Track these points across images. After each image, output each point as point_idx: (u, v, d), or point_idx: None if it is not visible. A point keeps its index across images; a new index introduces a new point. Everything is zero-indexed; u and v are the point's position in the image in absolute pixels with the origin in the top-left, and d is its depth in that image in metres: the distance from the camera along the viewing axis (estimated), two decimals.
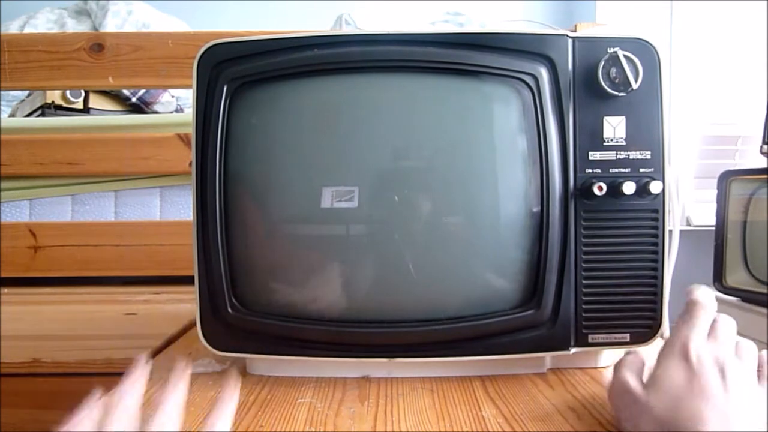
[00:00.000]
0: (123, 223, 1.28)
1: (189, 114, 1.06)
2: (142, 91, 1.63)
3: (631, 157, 0.56)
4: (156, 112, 1.67)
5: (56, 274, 1.25)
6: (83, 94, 1.55)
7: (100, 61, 1.22)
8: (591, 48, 0.56)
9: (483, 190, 0.57)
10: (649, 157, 0.56)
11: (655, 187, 0.55)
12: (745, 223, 1.44)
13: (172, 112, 1.69)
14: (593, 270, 0.56)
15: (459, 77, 0.56)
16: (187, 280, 0.86)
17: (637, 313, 0.57)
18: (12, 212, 1.28)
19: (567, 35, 0.56)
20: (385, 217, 0.57)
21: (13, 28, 1.90)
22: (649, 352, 0.63)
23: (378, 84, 0.58)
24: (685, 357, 0.43)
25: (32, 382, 0.72)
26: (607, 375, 0.59)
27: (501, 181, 0.57)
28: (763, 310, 1.35)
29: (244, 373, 0.61)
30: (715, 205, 1.49)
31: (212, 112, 0.56)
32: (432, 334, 0.56)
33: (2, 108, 1.76)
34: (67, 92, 1.52)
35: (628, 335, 0.57)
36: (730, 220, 1.46)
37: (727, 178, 1.48)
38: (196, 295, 0.58)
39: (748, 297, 1.42)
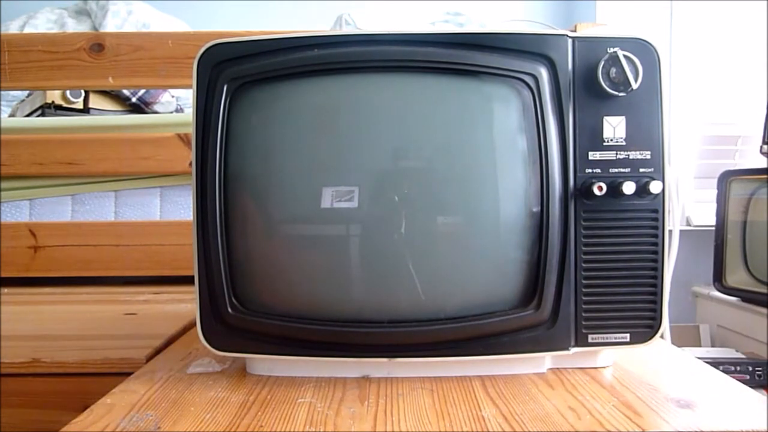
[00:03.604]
0: (123, 223, 1.28)
1: (189, 114, 1.06)
2: (142, 91, 1.63)
3: (631, 157, 0.56)
4: (156, 112, 1.67)
5: (56, 274, 1.25)
6: (83, 94, 1.55)
7: (100, 61, 1.22)
8: (591, 48, 0.56)
9: (483, 190, 0.57)
10: (649, 157, 0.56)
11: (655, 187, 0.55)
12: (745, 223, 1.44)
13: (172, 112, 1.69)
14: (593, 270, 0.56)
15: (459, 77, 0.56)
16: (187, 280, 0.86)
17: (637, 313, 0.57)
18: (12, 212, 1.28)
19: (567, 35, 0.56)
20: (385, 217, 0.57)
21: (13, 28, 1.90)
22: (649, 352, 0.63)
23: (378, 84, 0.58)
24: None
25: (32, 382, 0.71)
26: (607, 375, 0.59)
27: (501, 181, 0.57)
28: (763, 310, 1.35)
29: (244, 373, 0.61)
30: (715, 205, 1.49)
31: (212, 112, 0.56)
32: (432, 334, 0.56)
33: (2, 108, 1.76)
34: (67, 92, 1.52)
35: (628, 335, 0.57)
36: (730, 220, 1.46)
37: (727, 178, 1.48)
38: (196, 295, 0.58)
39: (748, 297, 1.42)
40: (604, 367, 0.61)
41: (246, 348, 0.58)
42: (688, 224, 1.74)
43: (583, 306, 0.57)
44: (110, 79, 1.23)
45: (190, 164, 0.58)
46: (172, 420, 0.49)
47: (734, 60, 1.77)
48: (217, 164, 0.56)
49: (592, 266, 0.56)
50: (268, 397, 0.54)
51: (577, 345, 0.57)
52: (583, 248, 0.56)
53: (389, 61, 0.56)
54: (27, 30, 1.87)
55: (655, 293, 0.57)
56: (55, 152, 1.24)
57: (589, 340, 0.57)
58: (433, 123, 0.58)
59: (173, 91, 1.71)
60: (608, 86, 0.55)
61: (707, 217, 1.62)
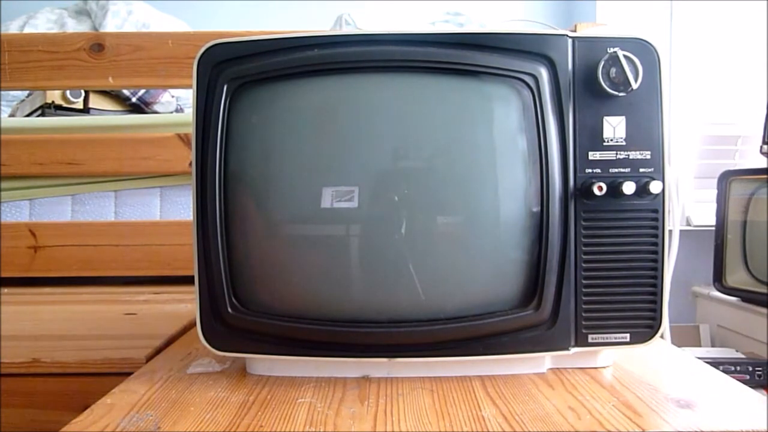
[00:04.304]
0: (123, 223, 1.28)
1: (189, 114, 1.06)
2: (142, 91, 1.63)
3: (631, 157, 0.56)
4: (156, 112, 1.67)
5: (56, 274, 1.25)
6: (83, 94, 1.55)
7: (100, 61, 1.22)
8: (591, 48, 0.56)
9: (483, 190, 0.57)
10: (649, 157, 0.56)
11: (655, 187, 0.55)
12: (745, 223, 1.44)
13: (172, 112, 1.69)
14: (593, 270, 0.56)
15: (459, 77, 0.56)
16: (187, 280, 0.86)
17: (637, 313, 0.57)
18: (12, 212, 1.28)
19: (567, 35, 0.56)
20: (385, 217, 0.57)
21: (13, 28, 1.89)
22: (649, 352, 0.63)
23: (378, 84, 0.58)
24: None
25: (32, 382, 0.71)
26: (607, 375, 0.59)
27: (501, 181, 0.57)
28: (763, 310, 1.35)
29: (244, 373, 0.61)
30: (715, 205, 1.49)
31: (212, 112, 0.56)
32: (432, 334, 0.56)
33: (2, 108, 1.76)
34: (67, 92, 1.52)
35: (628, 335, 0.57)
36: (730, 220, 1.46)
37: (727, 178, 1.48)
38: (196, 295, 0.58)
39: (748, 297, 1.42)
40: (604, 367, 0.61)
41: (246, 348, 0.58)
42: (688, 224, 1.74)
43: (583, 306, 0.57)
44: (110, 79, 1.23)
45: (190, 164, 0.58)
46: (172, 420, 0.49)
47: (734, 60, 1.77)
48: (217, 164, 0.56)
49: (592, 266, 0.56)
50: (268, 397, 0.54)
51: (577, 345, 0.57)
52: (583, 248, 0.56)
53: (389, 61, 0.56)
54: (27, 30, 1.87)
55: (655, 293, 0.57)
56: (55, 152, 1.24)
57: (589, 340, 0.57)
58: (433, 123, 0.58)
59: (173, 91, 1.71)
60: (608, 86, 0.55)
61: (707, 217, 1.62)
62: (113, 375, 0.69)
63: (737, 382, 0.56)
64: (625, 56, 0.55)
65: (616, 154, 0.56)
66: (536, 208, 0.56)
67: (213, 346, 0.58)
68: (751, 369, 1.23)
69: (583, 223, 0.56)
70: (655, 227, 0.56)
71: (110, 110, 1.61)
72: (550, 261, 0.55)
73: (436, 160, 0.58)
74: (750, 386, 0.55)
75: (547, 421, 0.48)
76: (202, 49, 0.57)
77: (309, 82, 0.57)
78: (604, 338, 0.57)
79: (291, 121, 0.58)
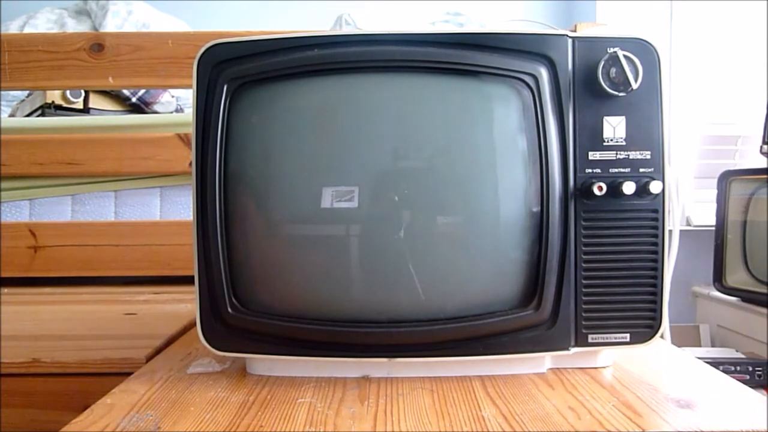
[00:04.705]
0: (123, 223, 1.28)
1: (189, 114, 1.06)
2: (142, 91, 1.63)
3: (631, 157, 0.56)
4: (156, 112, 1.67)
5: (56, 274, 1.25)
6: (83, 94, 1.55)
7: (100, 61, 1.22)
8: (591, 48, 0.56)
9: (483, 190, 0.57)
10: (649, 157, 0.56)
11: (655, 187, 0.55)
12: (745, 223, 1.44)
13: (172, 112, 1.70)
14: (593, 270, 0.56)
15: (459, 77, 0.56)
16: (187, 280, 0.86)
17: (637, 313, 0.57)
18: (12, 212, 1.28)
19: (567, 35, 0.56)
20: (385, 217, 0.57)
21: (13, 28, 1.89)
22: (649, 352, 0.63)
23: (378, 84, 0.58)
24: None
25: (32, 382, 0.71)
26: (607, 375, 0.59)
27: (501, 181, 0.57)
28: (763, 310, 1.35)
29: (244, 373, 0.61)
30: (715, 205, 1.49)
31: (212, 112, 0.56)
32: (432, 334, 0.56)
33: (2, 108, 1.76)
34: (67, 92, 1.52)
35: (628, 335, 0.57)
36: (730, 220, 1.46)
37: (727, 178, 1.48)
38: (196, 295, 0.58)
39: (748, 297, 1.42)
40: (604, 367, 0.61)
41: (246, 348, 0.58)
42: (688, 224, 1.74)
43: (583, 306, 0.57)
44: (110, 79, 1.23)
45: (190, 164, 0.58)
46: (172, 420, 0.49)
47: (734, 60, 1.77)
48: (217, 164, 0.56)
49: (592, 266, 0.56)
50: (268, 397, 0.54)
51: (577, 345, 0.57)
52: (583, 248, 0.56)
53: (389, 61, 0.56)
54: (27, 30, 1.87)
55: (655, 293, 0.57)
56: (55, 152, 1.24)
57: (589, 340, 0.57)
58: (433, 123, 0.58)
59: (173, 91, 1.71)
60: (608, 86, 0.55)
61: (707, 217, 1.62)
62: (113, 375, 0.69)
63: (737, 382, 0.56)
64: (625, 56, 0.55)
65: (616, 154, 0.56)
66: (536, 208, 0.56)
67: (213, 346, 0.58)
68: (751, 369, 1.23)
69: (583, 223, 0.56)
70: (655, 227, 0.56)
71: (110, 110, 1.61)
72: (550, 261, 0.55)
73: (436, 160, 0.58)
74: (750, 386, 0.55)
75: (547, 421, 0.48)
76: (202, 49, 0.57)
77: (309, 82, 0.57)
78: (604, 338, 0.57)
79: (291, 121, 0.58)
